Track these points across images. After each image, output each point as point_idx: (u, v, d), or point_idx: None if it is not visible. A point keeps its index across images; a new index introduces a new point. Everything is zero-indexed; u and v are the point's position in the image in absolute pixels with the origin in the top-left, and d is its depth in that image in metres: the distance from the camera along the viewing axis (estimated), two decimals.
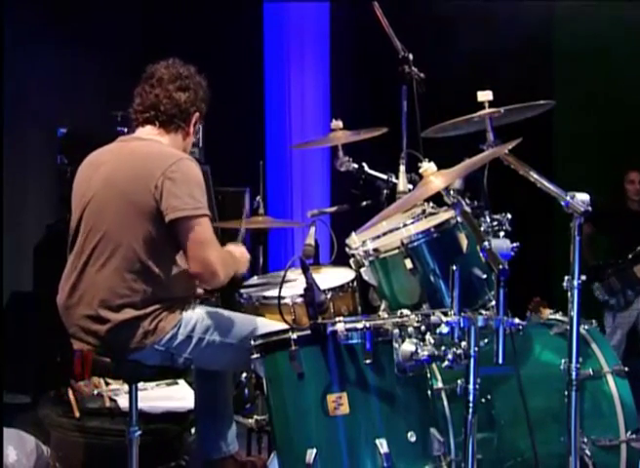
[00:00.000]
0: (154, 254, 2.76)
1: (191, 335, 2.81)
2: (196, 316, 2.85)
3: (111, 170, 2.83)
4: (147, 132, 2.93)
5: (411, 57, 3.39)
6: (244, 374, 3.27)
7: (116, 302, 2.75)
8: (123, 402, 3.54)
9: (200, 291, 3.07)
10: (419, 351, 2.40)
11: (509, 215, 2.92)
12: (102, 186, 2.82)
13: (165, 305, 2.79)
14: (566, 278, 2.66)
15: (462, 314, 2.35)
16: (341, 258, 3.16)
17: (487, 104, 2.82)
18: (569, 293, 2.66)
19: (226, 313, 2.96)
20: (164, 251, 2.77)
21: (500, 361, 2.30)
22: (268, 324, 2.90)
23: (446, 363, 2.37)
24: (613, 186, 5.44)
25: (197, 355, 2.83)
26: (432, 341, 2.43)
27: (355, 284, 3.10)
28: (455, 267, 2.35)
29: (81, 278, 2.81)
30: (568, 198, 2.62)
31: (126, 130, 2.98)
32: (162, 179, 2.72)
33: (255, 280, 3.44)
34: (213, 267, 2.71)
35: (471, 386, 2.37)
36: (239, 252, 2.98)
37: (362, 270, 2.91)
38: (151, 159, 2.79)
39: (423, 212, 2.95)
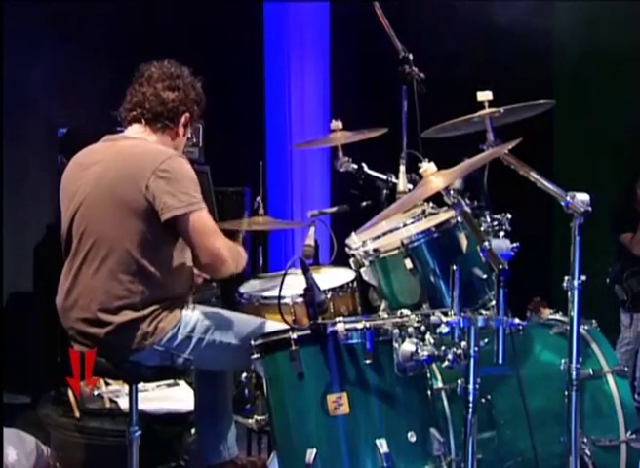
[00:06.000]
0: (149, 254, 2.74)
1: (191, 336, 2.81)
2: (196, 316, 2.85)
3: (101, 170, 2.80)
4: (134, 130, 2.90)
5: (411, 57, 3.39)
6: (244, 374, 3.27)
7: (115, 305, 2.74)
8: (123, 402, 3.55)
9: (199, 280, 3.03)
10: (419, 351, 2.40)
11: (509, 215, 2.92)
12: (93, 188, 2.79)
13: (164, 305, 2.78)
14: (566, 278, 2.66)
15: (462, 314, 2.35)
16: (341, 258, 3.16)
17: (487, 104, 2.82)
18: (569, 293, 2.67)
19: (226, 313, 2.95)
20: (159, 250, 2.75)
21: (500, 361, 2.30)
22: (268, 324, 2.90)
23: (446, 363, 2.37)
24: (619, 188, 5.36)
25: (197, 355, 2.83)
26: (432, 341, 2.43)
27: (355, 284, 3.09)
28: (455, 267, 2.35)
29: (76, 281, 2.80)
30: (568, 198, 2.62)
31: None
32: (153, 179, 2.70)
33: (255, 280, 3.44)
34: (221, 255, 2.69)
35: (471, 386, 2.37)
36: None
37: (362, 270, 2.92)
38: (141, 158, 2.77)
39: (423, 212, 2.95)
